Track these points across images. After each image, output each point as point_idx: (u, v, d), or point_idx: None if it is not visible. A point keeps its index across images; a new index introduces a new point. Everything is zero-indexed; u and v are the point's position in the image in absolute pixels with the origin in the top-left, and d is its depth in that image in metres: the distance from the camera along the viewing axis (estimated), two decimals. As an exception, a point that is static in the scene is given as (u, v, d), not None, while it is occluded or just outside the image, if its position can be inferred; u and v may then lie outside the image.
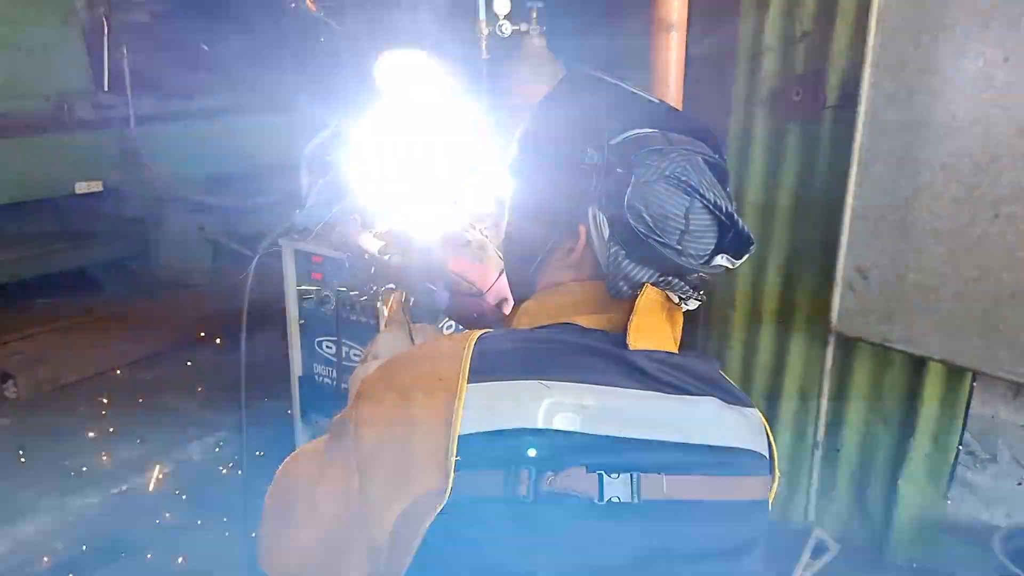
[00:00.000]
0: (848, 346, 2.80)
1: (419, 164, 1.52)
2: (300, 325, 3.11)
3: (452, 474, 0.93)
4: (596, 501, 0.96)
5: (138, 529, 3.19)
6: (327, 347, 3.08)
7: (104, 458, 3.54)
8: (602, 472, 0.96)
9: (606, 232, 1.08)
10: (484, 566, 0.94)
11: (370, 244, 1.60)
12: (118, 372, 4.25)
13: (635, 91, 1.17)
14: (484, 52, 3.13)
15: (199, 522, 3.25)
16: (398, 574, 0.97)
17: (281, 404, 3.49)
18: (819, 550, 2.96)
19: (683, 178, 1.06)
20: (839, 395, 2.90)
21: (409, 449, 0.96)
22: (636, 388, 1.02)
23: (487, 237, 1.55)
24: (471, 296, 1.51)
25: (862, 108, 2.49)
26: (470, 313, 1.51)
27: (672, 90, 1.95)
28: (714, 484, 1.04)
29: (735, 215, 1.10)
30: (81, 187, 4.56)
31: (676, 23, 2.11)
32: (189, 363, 4.25)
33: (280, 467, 1.18)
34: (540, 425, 0.95)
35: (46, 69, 4.46)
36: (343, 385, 1.44)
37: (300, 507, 1.08)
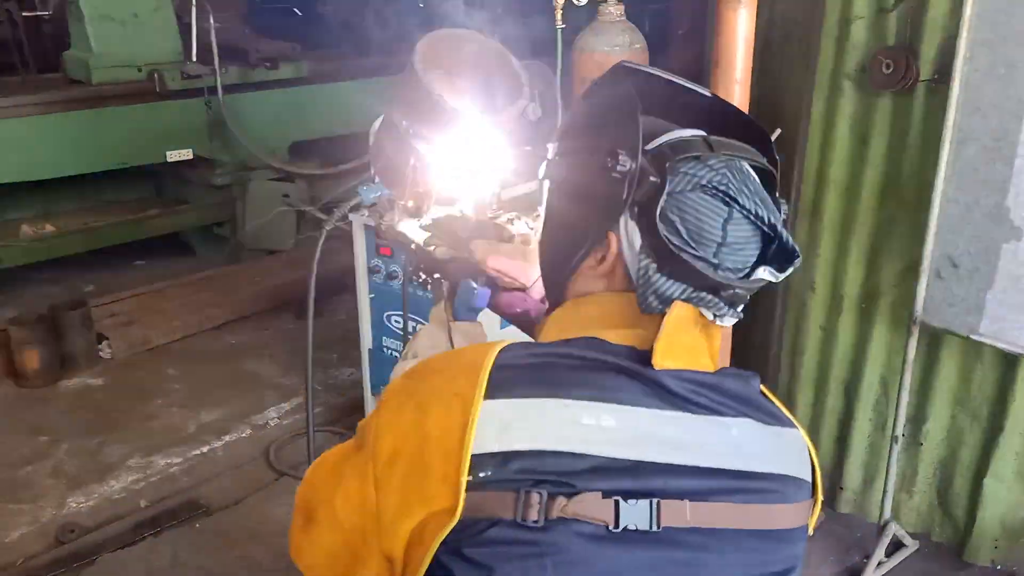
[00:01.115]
0: (934, 337, 2.64)
1: (464, 154, 1.48)
2: (370, 299, 3.14)
3: (463, 493, 0.90)
4: (611, 528, 0.91)
5: (216, 490, 3.31)
6: (395, 321, 3.11)
7: (187, 420, 3.70)
8: (619, 498, 0.91)
9: (637, 243, 1.02)
10: None
11: (416, 234, 1.58)
12: (203, 335, 4.41)
13: (686, 85, 1.10)
14: (559, 21, 3.04)
15: (273, 484, 3.37)
16: None
17: (358, 371, 3.55)
18: (895, 546, 2.84)
19: (722, 187, 0.98)
20: (923, 387, 2.75)
21: (424, 464, 0.94)
22: (662, 408, 0.97)
23: (532, 229, 1.51)
24: (515, 290, 1.47)
25: (956, 84, 2.31)
26: (514, 308, 1.47)
27: (739, 69, 1.84)
28: (744, 512, 0.97)
29: (779, 226, 1.02)
30: (172, 155, 4.71)
31: (745, -1, 1.97)
32: (267, 329, 4.36)
33: (310, 467, 1.17)
34: (555, 447, 0.91)
35: (138, 40, 4.59)
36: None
37: (322, 510, 1.08)
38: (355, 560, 1.03)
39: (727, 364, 1.95)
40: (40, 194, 4.48)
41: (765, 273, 1.01)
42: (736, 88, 1.79)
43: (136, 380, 3.99)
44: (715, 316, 1.03)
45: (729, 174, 0.99)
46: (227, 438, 3.60)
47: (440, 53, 1.49)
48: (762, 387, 1.08)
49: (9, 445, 3.47)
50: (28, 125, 4.26)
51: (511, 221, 1.50)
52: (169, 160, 4.71)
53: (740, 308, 1.06)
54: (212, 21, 4.50)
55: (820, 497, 1.08)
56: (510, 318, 1.51)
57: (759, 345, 3.26)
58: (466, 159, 1.47)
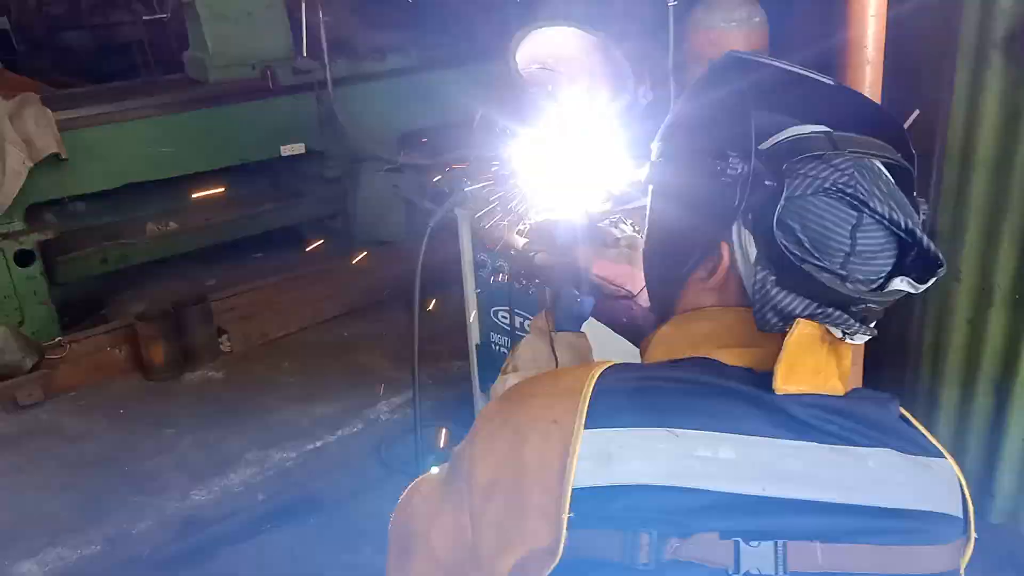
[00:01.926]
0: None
1: (565, 155, 1.37)
2: (476, 294, 3.08)
3: (564, 532, 0.83)
4: (731, 573, 0.82)
5: (329, 485, 3.34)
6: (502, 317, 3.04)
7: (302, 414, 3.74)
8: (739, 539, 0.83)
9: (752, 254, 0.92)
10: None
11: (516, 239, 1.48)
12: (317, 328, 4.46)
13: (805, 73, 0.97)
14: None
15: (384, 481, 3.36)
16: None
17: (466, 366, 3.51)
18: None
19: (849, 189, 0.88)
20: (1088, 388, 2.46)
21: (521, 498, 0.87)
22: (786, 438, 0.88)
23: (639, 233, 1.39)
24: (621, 298, 1.36)
25: None
26: (619, 317, 1.37)
27: (871, 48, 1.64)
28: (884, 555, 0.86)
29: (918, 230, 0.89)
30: (286, 149, 4.78)
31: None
32: (379, 321, 4.37)
33: (403, 495, 1.13)
34: (665, 482, 0.84)
35: (251, 38, 4.67)
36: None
37: (418, 542, 1.02)
38: None
39: (859, 379, 1.77)
40: (162, 192, 4.63)
41: (903, 284, 0.90)
42: (867, 69, 1.60)
43: (253, 373, 4.09)
44: (844, 334, 0.91)
45: (857, 174, 0.89)
46: (340, 432, 3.62)
47: (538, 48, 1.38)
48: (903, 411, 0.98)
49: (138, 437, 3.60)
50: (152, 126, 4.40)
51: (615, 224, 1.37)
52: (283, 155, 4.78)
53: (873, 324, 0.93)
54: (321, 15, 4.52)
55: (974, 535, 0.96)
56: (616, 328, 1.41)
57: (896, 340, 3.01)
58: (567, 160, 1.36)
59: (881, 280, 0.90)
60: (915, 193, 0.94)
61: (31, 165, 3.82)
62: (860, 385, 1.68)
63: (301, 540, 3.06)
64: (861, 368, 1.77)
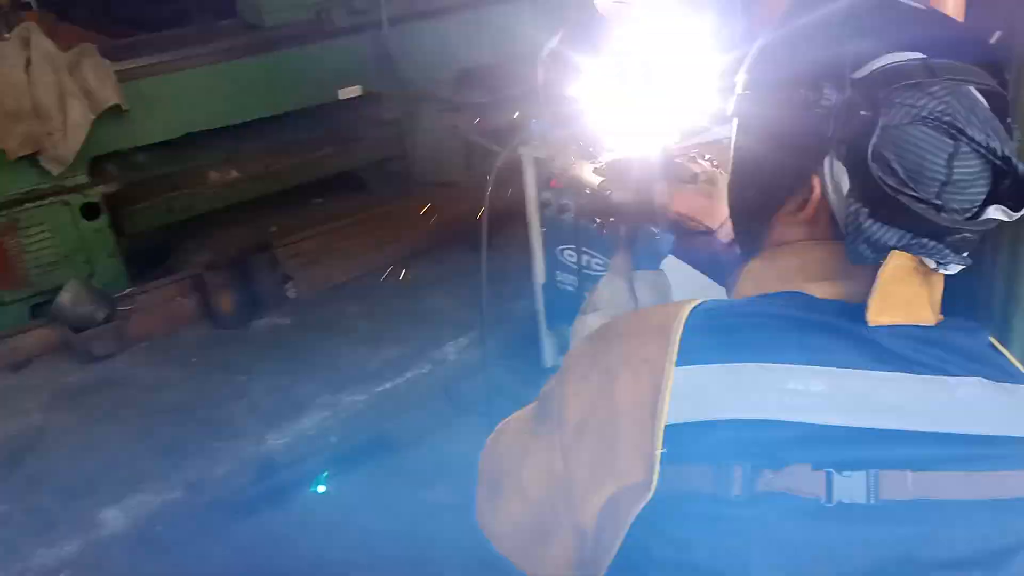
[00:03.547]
0: None
1: (642, 90, 1.30)
2: (541, 233, 3.02)
3: (657, 467, 0.84)
4: (823, 503, 0.83)
5: (400, 427, 3.36)
6: (568, 255, 2.98)
7: (370, 356, 3.77)
8: (831, 470, 0.83)
9: (845, 186, 0.91)
10: (691, 567, 0.85)
11: (591, 177, 1.42)
12: (381, 271, 4.46)
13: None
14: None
15: (453, 421, 3.38)
16: (603, 562, 0.90)
17: (531, 305, 3.48)
18: None
19: (946, 117, 0.86)
20: None
21: (614, 436, 0.89)
22: (878, 370, 0.88)
23: (717, 167, 1.32)
24: (701, 234, 1.31)
25: None
26: (700, 253, 1.33)
27: None
28: (973, 481, 0.87)
29: (1013, 157, 0.87)
30: (343, 93, 4.72)
31: None
32: (443, 263, 4.35)
33: (492, 434, 1.14)
34: (757, 415, 0.84)
35: (304, -22, 4.59)
36: (584, 293, 1.36)
37: (508, 481, 1.04)
38: (545, 532, 1.00)
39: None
40: (223, 140, 4.63)
41: (997, 212, 0.88)
42: None
43: (321, 318, 4.11)
44: (938, 264, 0.90)
45: (955, 101, 0.87)
46: (408, 374, 3.64)
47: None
48: (991, 339, 0.98)
49: (211, 384, 3.67)
50: (210, 74, 4.37)
51: (693, 159, 1.30)
52: (340, 98, 4.73)
53: (966, 254, 0.91)
54: (373, -49, 4.41)
55: None
56: (696, 264, 1.37)
57: (976, 271, 2.85)
58: (642, 93, 1.29)
59: (976, 209, 0.89)
60: (1010, 119, 0.92)
61: (93, 118, 3.83)
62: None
63: (375, 480, 3.11)
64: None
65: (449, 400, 3.48)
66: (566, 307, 3.12)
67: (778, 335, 0.89)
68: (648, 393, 0.87)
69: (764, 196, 1.02)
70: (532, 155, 2.84)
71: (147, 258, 4.62)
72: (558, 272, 3.07)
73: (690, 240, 1.33)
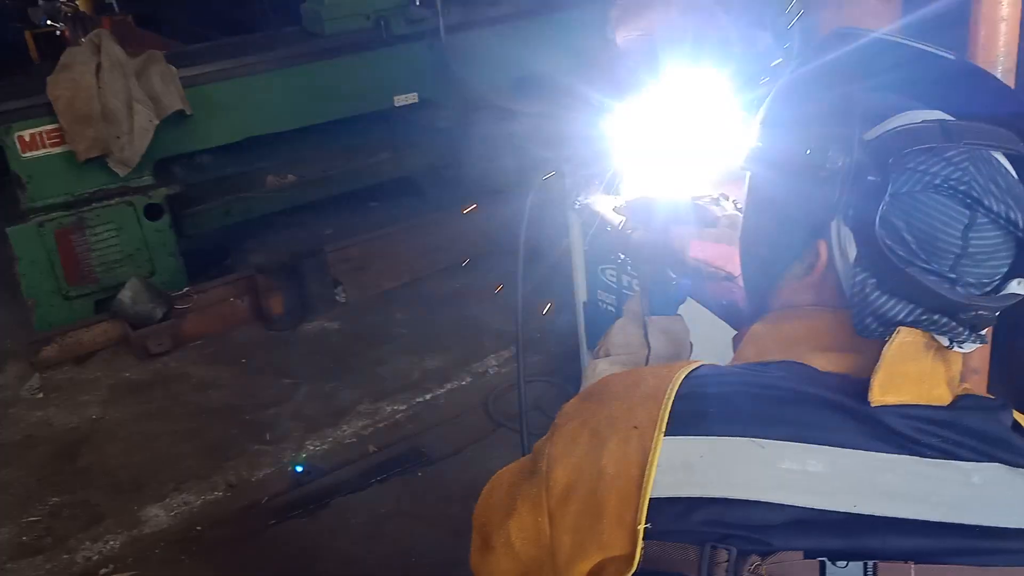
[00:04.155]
0: None
1: (661, 129, 1.27)
2: (584, 251, 3.00)
3: (640, 542, 0.80)
4: None
5: (438, 438, 3.38)
6: (610, 274, 2.95)
7: (413, 365, 3.79)
8: (825, 559, 0.77)
9: (852, 254, 0.85)
10: None
11: (612, 215, 1.40)
12: (430, 279, 4.49)
13: (923, 48, 0.88)
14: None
15: (491, 435, 3.38)
16: None
17: (575, 320, 3.45)
18: None
19: (962, 185, 0.80)
20: None
21: (598, 504, 0.85)
22: (881, 451, 0.82)
23: (740, 211, 1.28)
24: (720, 280, 1.27)
25: None
26: (719, 299, 1.29)
27: (1006, 7, 1.39)
28: None
29: None
30: (399, 100, 4.78)
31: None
32: (491, 272, 4.34)
33: (487, 485, 1.10)
34: (747, 495, 0.79)
35: (365, -13, 4.66)
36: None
37: (497, 537, 1.00)
38: None
39: (983, 386, 1.61)
40: (282, 144, 4.73)
41: (1020, 287, 0.83)
42: (1002, 27, 1.39)
43: (367, 324, 4.17)
44: (951, 342, 0.83)
45: (972, 168, 0.81)
46: (449, 386, 3.66)
47: (639, 13, 1.27)
48: (1018, 416, 0.89)
49: (259, 386, 3.75)
50: (270, 80, 4.48)
51: (717, 202, 1.27)
52: (396, 105, 4.78)
53: (983, 332, 0.85)
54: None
55: None
56: (715, 310, 1.32)
57: None
58: (663, 134, 1.26)
59: (996, 283, 0.83)
60: None
61: (157, 122, 3.95)
62: (985, 390, 1.52)
63: (409, 491, 3.12)
64: (986, 370, 1.59)
65: (487, 414, 3.48)
66: (606, 325, 3.08)
67: (776, 409, 0.83)
68: (635, 462, 0.82)
69: (771, 256, 0.96)
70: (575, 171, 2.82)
71: (207, 258, 4.75)
72: (599, 291, 3.04)
73: (711, 285, 1.28)
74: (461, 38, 4.70)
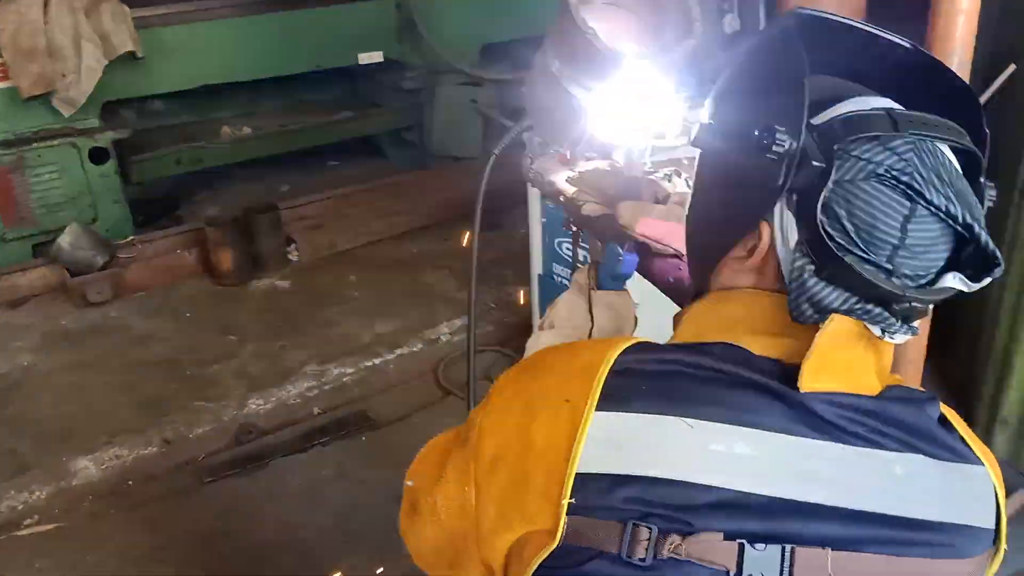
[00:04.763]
0: None
1: (619, 101, 1.22)
2: (542, 224, 2.96)
3: (564, 517, 0.81)
4: None
5: (385, 404, 3.33)
6: (566, 248, 2.91)
7: (363, 329, 3.73)
8: (744, 541, 0.79)
9: (792, 238, 0.85)
10: None
11: (564, 186, 1.36)
12: (387, 242, 4.41)
13: (879, 34, 0.88)
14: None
15: (439, 402, 3.34)
16: None
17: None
18: None
19: (904, 176, 0.80)
20: None
21: (525, 476, 0.85)
22: (808, 437, 0.82)
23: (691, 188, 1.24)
24: (667, 258, 1.24)
25: None
26: (665, 276, 1.27)
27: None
28: (899, 566, 0.82)
29: (977, 225, 0.80)
30: (363, 58, 4.67)
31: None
32: (448, 240, 4.29)
33: (422, 449, 1.10)
34: (673, 474, 0.80)
35: (333, -61, 4.52)
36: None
37: (424, 503, 1.02)
38: (457, 559, 0.98)
39: (918, 376, 1.61)
40: (240, 95, 4.60)
41: (955, 282, 0.82)
42: (960, 20, 1.37)
43: (320, 285, 4.08)
44: (883, 332, 0.85)
45: (916, 159, 0.81)
46: (399, 351, 3.60)
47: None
48: (945, 410, 0.92)
49: (202, 341, 3.66)
50: (229, 27, 4.34)
51: (668, 178, 1.23)
52: (361, 63, 4.68)
53: (917, 323, 0.86)
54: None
55: (1004, 547, 0.92)
56: (661, 287, 1.30)
57: (967, 329, 2.74)
58: (621, 107, 1.21)
59: (932, 276, 0.83)
60: (983, 179, 0.86)
61: (106, 63, 3.80)
62: (919, 382, 1.53)
63: (351, 455, 3.07)
64: (921, 363, 1.60)
65: (437, 382, 3.44)
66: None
67: (707, 390, 0.83)
68: (565, 436, 0.82)
69: (715, 235, 0.95)
70: (536, 141, 2.76)
71: (157, 207, 4.62)
72: (555, 264, 3.00)
73: (658, 262, 1.25)
74: (431, -1, 4.59)
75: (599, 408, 0.82)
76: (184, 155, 4.44)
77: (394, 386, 3.44)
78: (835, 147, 0.81)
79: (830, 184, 0.80)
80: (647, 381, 0.84)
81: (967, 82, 0.94)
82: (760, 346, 0.87)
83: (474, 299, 1.90)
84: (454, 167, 4.90)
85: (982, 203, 0.86)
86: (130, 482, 2.95)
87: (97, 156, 4.03)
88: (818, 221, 0.80)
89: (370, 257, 4.32)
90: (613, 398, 0.83)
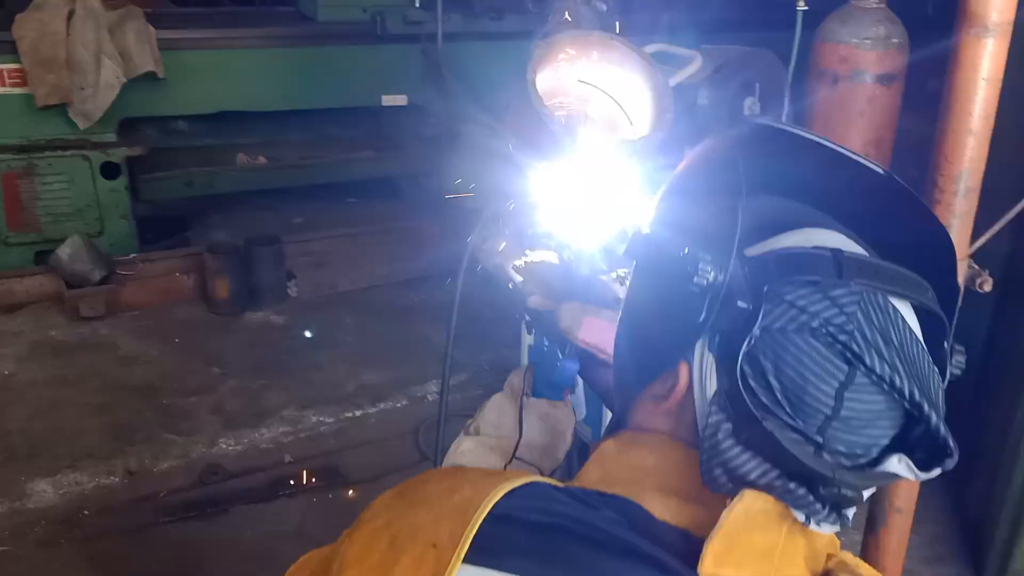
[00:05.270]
0: None
1: (573, 191, 1.13)
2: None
3: None
4: None
5: (359, 460, 3.20)
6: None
7: (349, 377, 3.62)
8: None
9: (711, 387, 0.72)
10: None
11: (512, 273, 1.25)
12: (388, 287, 4.34)
13: (849, 156, 0.73)
14: (801, 2, 2.54)
15: (416, 466, 3.20)
16: None
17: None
18: None
19: (843, 335, 0.67)
20: None
21: None
22: None
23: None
24: (608, 367, 1.13)
25: None
26: (608, 384, 1.14)
27: (977, 116, 1.27)
28: None
29: (927, 405, 0.67)
30: (387, 99, 4.65)
31: (996, 25, 1.35)
32: (449, 291, 4.18)
33: (295, 564, 0.98)
34: None
35: (369, -19, 4.52)
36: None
37: None
38: None
39: (899, 565, 1.42)
40: (265, 123, 4.59)
41: (899, 467, 0.68)
42: (969, 140, 1.27)
43: (314, 325, 3.99)
44: (807, 519, 0.70)
45: (860, 315, 0.68)
46: (382, 405, 3.49)
47: (564, 59, 1.13)
48: None
49: (185, 370, 3.58)
50: (253, 57, 4.35)
51: (621, 281, 1.12)
52: (384, 104, 4.65)
53: (845, 512, 0.70)
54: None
55: None
56: (603, 397, 1.19)
57: (988, 460, 2.54)
58: (575, 198, 1.12)
59: (872, 456, 0.69)
60: (948, 343, 0.74)
61: (125, 81, 3.80)
62: (907, 533, 1.38)
63: (315, 512, 2.95)
64: (911, 514, 1.44)
65: (416, 443, 3.31)
66: (550, 369, 2.94)
67: (592, 557, 0.70)
68: None
69: (635, 365, 0.83)
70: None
71: (167, 225, 4.59)
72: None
73: (600, 369, 1.13)
74: (458, 47, 4.56)
75: (467, 560, 0.70)
76: (197, 178, 4.42)
77: (371, 442, 3.30)
78: (764, 288, 0.69)
79: (756, 330, 0.68)
80: (527, 535, 0.72)
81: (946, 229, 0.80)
82: (666, 509, 0.75)
83: (447, 376, 1.79)
84: (464, 218, 4.83)
85: (944, 373, 0.73)
86: (86, 511, 2.84)
87: (109, 171, 4.03)
88: (740, 372, 0.68)
89: (369, 301, 4.24)
90: (485, 550, 0.70)
